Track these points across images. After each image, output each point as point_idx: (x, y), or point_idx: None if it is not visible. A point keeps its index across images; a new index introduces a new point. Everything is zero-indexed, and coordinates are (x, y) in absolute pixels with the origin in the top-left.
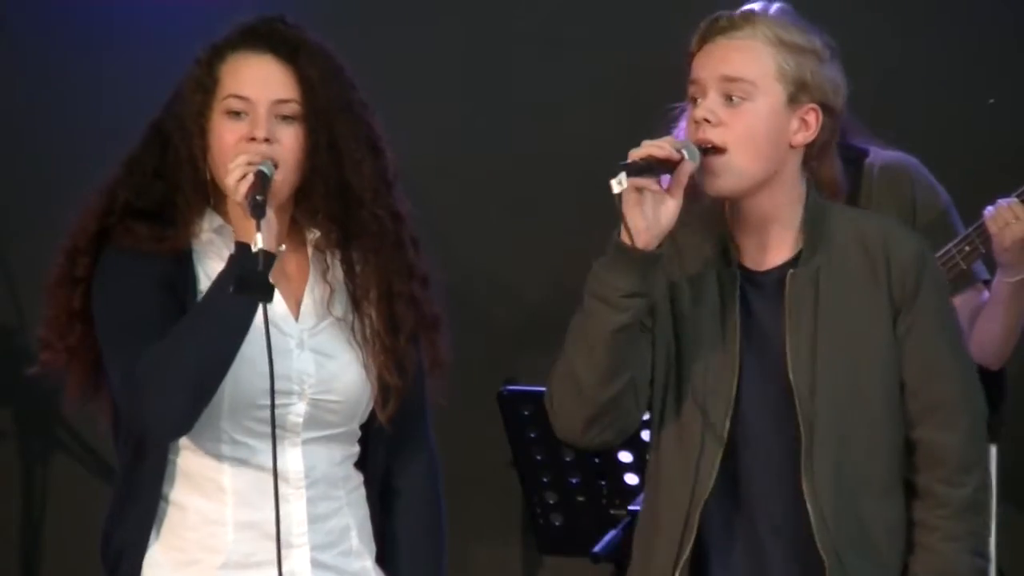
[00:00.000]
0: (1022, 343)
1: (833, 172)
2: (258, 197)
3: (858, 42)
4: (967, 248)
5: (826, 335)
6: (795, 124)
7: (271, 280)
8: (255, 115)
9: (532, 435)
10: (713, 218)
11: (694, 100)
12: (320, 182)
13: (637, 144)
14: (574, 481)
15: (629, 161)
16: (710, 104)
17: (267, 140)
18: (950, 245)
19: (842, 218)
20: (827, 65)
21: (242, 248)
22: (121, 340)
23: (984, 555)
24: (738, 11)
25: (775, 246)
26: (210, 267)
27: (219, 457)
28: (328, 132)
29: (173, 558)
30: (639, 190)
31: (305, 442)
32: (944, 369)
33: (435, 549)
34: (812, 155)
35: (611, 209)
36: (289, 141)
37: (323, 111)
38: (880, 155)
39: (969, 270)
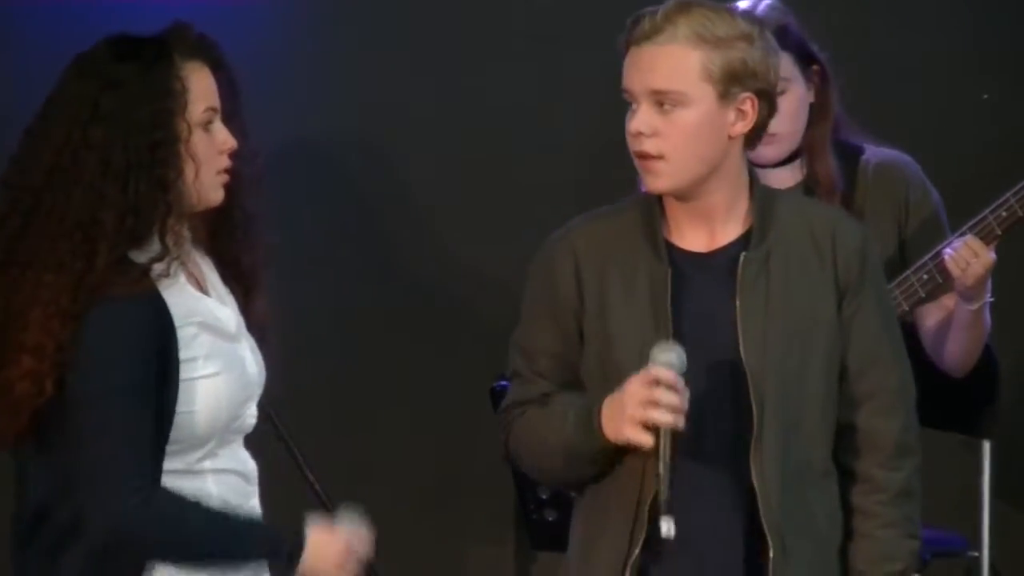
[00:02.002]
0: (1011, 339)
1: (829, 170)
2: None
3: (853, 40)
4: (925, 277)
5: (776, 318)
6: (732, 116)
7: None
8: (216, 123)
9: None
10: (644, 206)
11: (629, 105)
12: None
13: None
14: None
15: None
16: (643, 116)
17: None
18: (908, 272)
19: (789, 205)
20: (756, 45)
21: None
22: (103, 446)
23: (916, 536)
24: (660, 9)
25: (720, 230)
26: (177, 299)
27: (203, 473)
28: (238, 135)
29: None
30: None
31: (246, 440)
32: (885, 355)
33: None
34: (753, 138)
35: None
36: None
37: (232, 116)
38: (875, 153)
39: (927, 297)
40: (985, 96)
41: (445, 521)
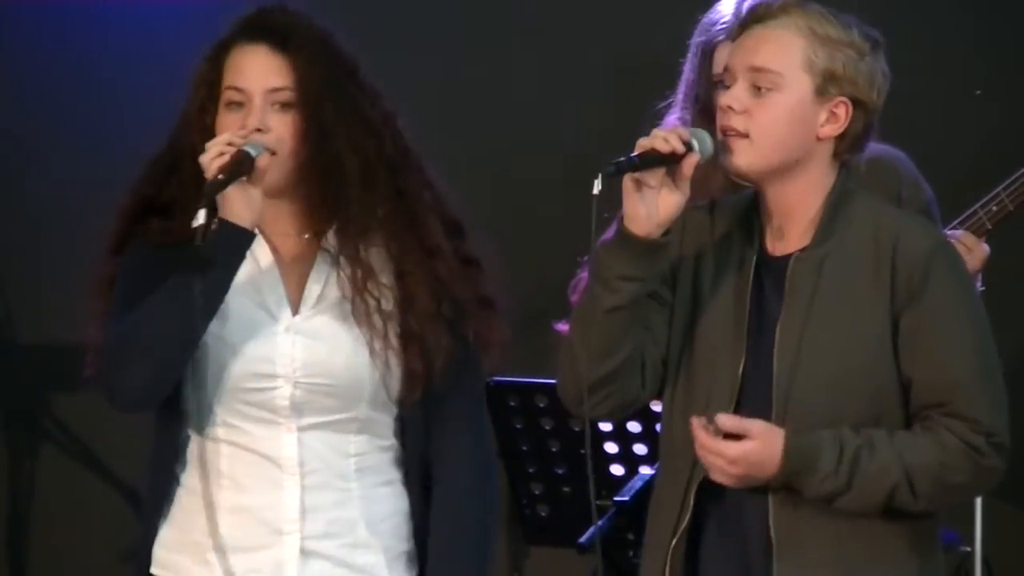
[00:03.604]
0: (1005, 336)
1: None
2: (220, 176)
3: None
4: None
5: (818, 323)
6: (823, 116)
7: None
8: (250, 105)
9: (518, 426)
10: (748, 202)
11: (726, 87)
12: (317, 168)
13: (627, 141)
14: (560, 472)
15: (623, 158)
16: (736, 92)
17: (259, 129)
18: None
19: (865, 208)
20: (866, 59)
21: (225, 228)
22: (111, 319)
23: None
24: (779, 1)
25: (796, 233)
26: None
27: (216, 441)
28: (321, 118)
29: (177, 539)
30: (636, 181)
31: (303, 428)
32: (950, 374)
33: (471, 545)
34: (844, 148)
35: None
36: (283, 129)
37: (316, 97)
38: (868, 148)
39: None
40: (978, 92)
41: None
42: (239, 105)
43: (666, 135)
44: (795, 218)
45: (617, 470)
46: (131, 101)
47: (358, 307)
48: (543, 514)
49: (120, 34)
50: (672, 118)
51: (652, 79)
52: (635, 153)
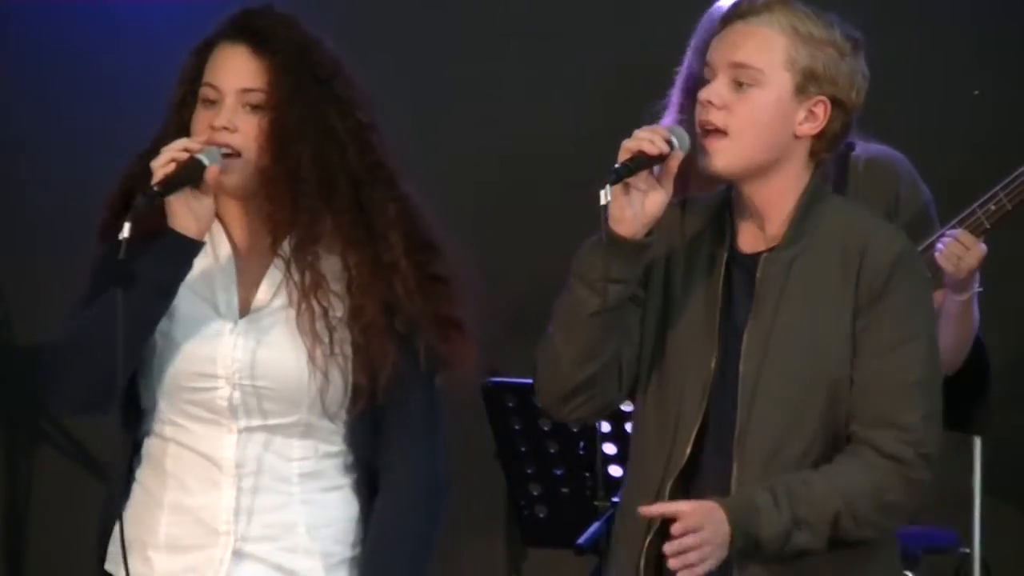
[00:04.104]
0: (1002, 337)
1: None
2: (156, 188)
3: None
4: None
5: (784, 325)
6: (802, 114)
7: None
8: (222, 103)
9: (516, 427)
10: (721, 200)
11: (704, 80)
12: (277, 173)
13: (619, 143)
14: (558, 473)
15: (619, 165)
16: (716, 87)
17: (226, 128)
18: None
19: (835, 211)
20: (846, 59)
21: (170, 236)
22: (69, 316)
23: (836, 525)
24: None
25: (768, 231)
26: None
27: (164, 439)
28: (289, 124)
29: (128, 535)
30: (625, 184)
31: (243, 430)
32: (888, 379)
33: (404, 559)
34: (821, 147)
35: (594, 202)
36: (250, 130)
37: (285, 102)
38: (866, 149)
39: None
40: (976, 92)
41: None
42: (211, 102)
43: (650, 136)
44: (769, 216)
45: (616, 471)
46: (131, 101)
47: (303, 315)
48: (541, 515)
49: (120, 34)
50: (668, 119)
51: (651, 81)
52: (624, 157)
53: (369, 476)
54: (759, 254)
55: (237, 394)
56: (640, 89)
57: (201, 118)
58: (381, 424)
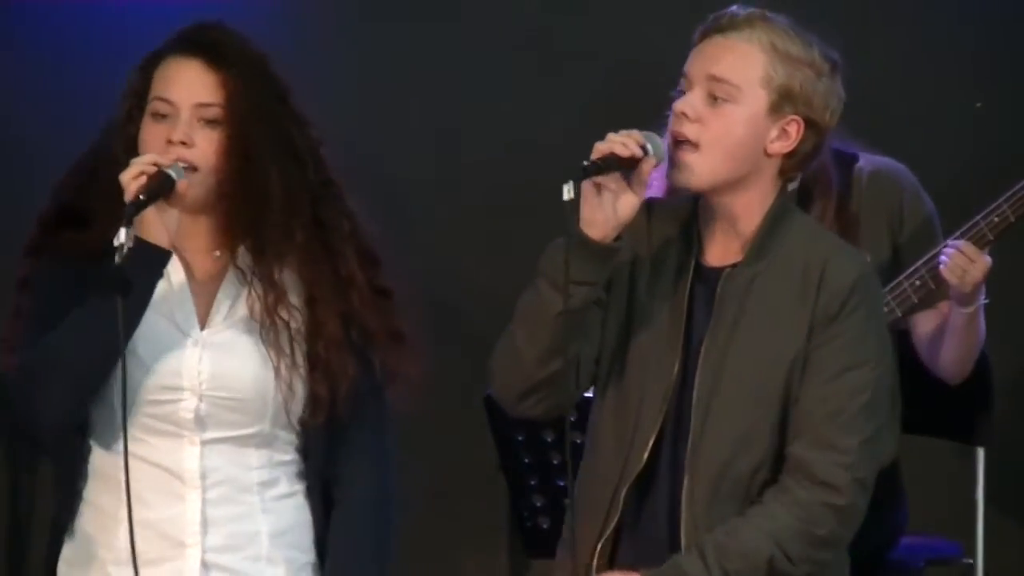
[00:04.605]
0: (1005, 348)
1: (825, 168)
2: (142, 196)
3: (845, 45)
4: (917, 283)
5: (742, 340)
6: (774, 132)
7: (173, 276)
8: (177, 118)
9: (519, 438)
10: (689, 210)
11: (680, 92)
12: (239, 187)
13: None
14: (561, 484)
15: (587, 163)
16: (692, 99)
17: (183, 143)
18: (901, 278)
19: (799, 232)
20: (823, 80)
21: (143, 247)
22: (26, 337)
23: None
24: (744, 12)
25: (734, 246)
26: None
27: (120, 455)
28: (246, 138)
29: (79, 555)
30: (597, 185)
31: (206, 442)
32: (832, 402)
33: (365, 566)
34: (790, 166)
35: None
36: (207, 145)
37: (245, 117)
38: (870, 160)
39: (920, 303)
40: (979, 104)
41: (440, 528)
42: (164, 117)
43: (623, 140)
44: (735, 231)
45: None
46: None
47: (267, 329)
48: (544, 526)
49: (120, 34)
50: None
51: (645, 91)
52: (594, 157)
53: (320, 484)
54: (722, 268)
55: (204, 405)
56: (638, 99)
57: (153, 132)
58: (335, 434)
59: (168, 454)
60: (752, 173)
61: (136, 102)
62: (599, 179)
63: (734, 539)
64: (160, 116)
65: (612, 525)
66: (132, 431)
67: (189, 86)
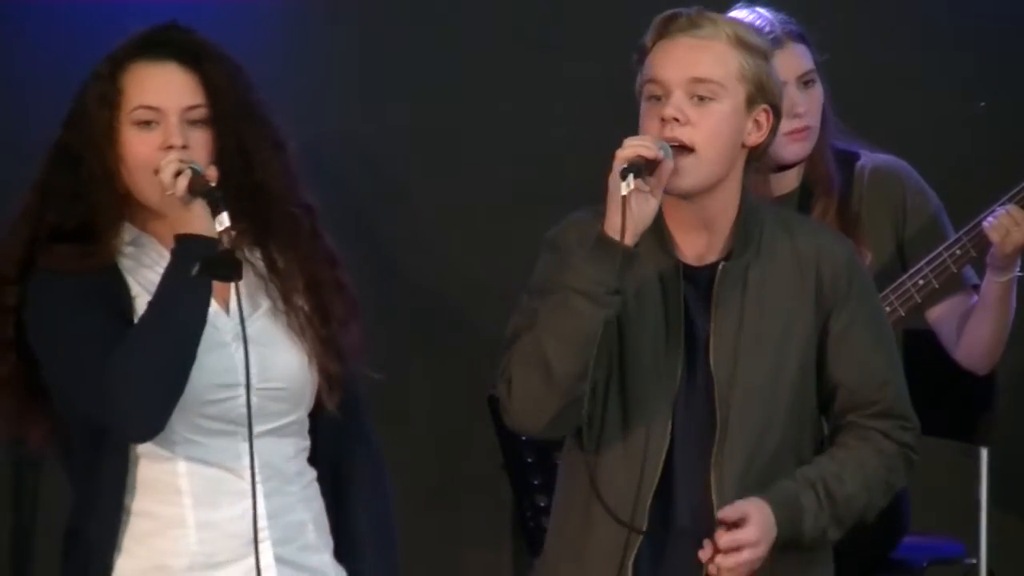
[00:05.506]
0: (1010, 350)
1: (827, 169)
2: (212, 184)
3: (847, 45)
4: (958, 252)
5: (749, 330)
6: (749, 125)
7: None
8: (167, 124)
9: (523, 438)
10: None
11: (654, 98)
12: (232, 183)
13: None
14: None
15: (625, 166)
16: (678, 103)
17: (184, 147)
18: (941, 248)
19: (772, 220)
20: (771, 64)
21: (187, 238)
22: (80, 354)
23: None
24: (694, 9)
25: (715, 244)
26: (140, 276)
27: (174, 460)
28: (236, 134)
29: (139, 567)
30: (633, 190)
31: (257, 436)
32: (881, 369)
33: (388, 537)
34: (755, 156)
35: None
36: (201, 146)
37: (230, 114)
38: (871, 158)
39: (959, 274)
40: (982, 104)
41: (443, 528)
42: (148, 124)
43: (644, 143)
44: (715, 228)
45: None
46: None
47: (291, 317)
48: (547, 526)
49: (120, 35)
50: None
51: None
52: (624, 161)
53: (329, 466)
54: (709, 265)
55: (255, 399)
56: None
57: (144, 141)
58: (335, 418)
59: (223, 452)
60: (731, 169)
61: (115, 114)
62: (639, 184)
63: (841, 486)
64: (144, 124)
65: (636, 547)
66: (183, 433)
67: (173, 90)
